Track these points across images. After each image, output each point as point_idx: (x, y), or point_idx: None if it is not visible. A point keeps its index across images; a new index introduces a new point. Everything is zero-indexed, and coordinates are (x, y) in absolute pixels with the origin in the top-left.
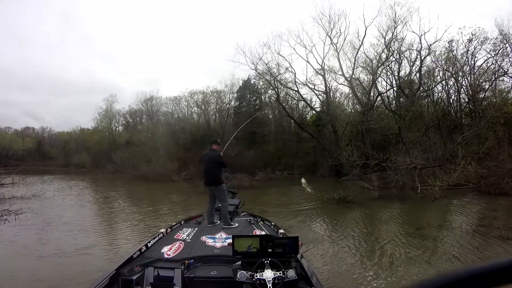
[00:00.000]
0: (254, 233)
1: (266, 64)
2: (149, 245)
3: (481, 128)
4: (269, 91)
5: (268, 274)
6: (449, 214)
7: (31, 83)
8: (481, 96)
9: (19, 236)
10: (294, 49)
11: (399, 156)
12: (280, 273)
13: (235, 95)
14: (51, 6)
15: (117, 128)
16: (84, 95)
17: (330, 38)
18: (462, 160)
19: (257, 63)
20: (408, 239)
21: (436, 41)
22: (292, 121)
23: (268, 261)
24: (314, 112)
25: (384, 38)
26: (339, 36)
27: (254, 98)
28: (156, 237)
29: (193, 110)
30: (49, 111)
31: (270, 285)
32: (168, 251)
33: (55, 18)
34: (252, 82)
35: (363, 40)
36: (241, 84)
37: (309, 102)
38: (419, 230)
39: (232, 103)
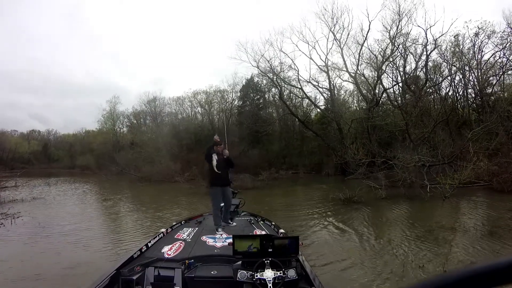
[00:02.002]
0: (254, 233)
1: (268, 61)
2: (149, 245)
3: (493, 123)
4: (273, 89)
5: (269, 274)
6: (461, 214)
7: (37, 85)
8: (489, 91)
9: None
10: (296, 45)
11: (407, 154)
12: (280, 273)
13: (238, 94)
14: (56, 6)
15: (122, 130)
16: (89, 96)
17: (333, 33)
18: (473, 156)
19: (259, 61)
20: (419, 243)
21: (442, 35)
22: (297, 119)
23: (268, 261)
24: (318, 110)
25: (389, 33)
26: (343, 31)
27: (258, 97)
28: (156, 237)
29: (196, 110)
30: (54, 113)
31: (271, 284)
32: (169, 251)
33: (59, 17)
34: (255, 80)
35: (367, 35)
36: (244, 83)
37: (313, 100)
38: (431, 232)
39: (236, 102)
